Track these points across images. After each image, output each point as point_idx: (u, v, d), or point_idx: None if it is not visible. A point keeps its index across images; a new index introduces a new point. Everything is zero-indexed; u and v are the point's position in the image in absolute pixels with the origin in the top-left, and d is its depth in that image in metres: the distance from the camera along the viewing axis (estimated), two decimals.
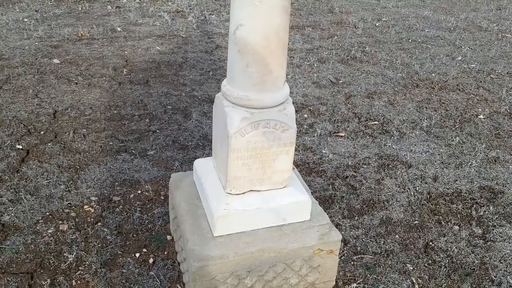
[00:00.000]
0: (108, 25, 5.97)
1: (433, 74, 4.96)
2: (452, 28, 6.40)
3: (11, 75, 4.46)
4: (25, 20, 6.01)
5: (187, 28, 5.98)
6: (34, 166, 3.17)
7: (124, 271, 2.42)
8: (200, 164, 2.42)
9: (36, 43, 5.28)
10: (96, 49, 5.20)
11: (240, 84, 1.98)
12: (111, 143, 3.49)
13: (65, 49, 5.16)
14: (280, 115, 2.04)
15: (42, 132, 3.57)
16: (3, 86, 4.26)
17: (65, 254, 2.49)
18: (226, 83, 2.07)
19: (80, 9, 6.57)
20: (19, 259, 2.45)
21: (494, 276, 2.53)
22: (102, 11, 6.54)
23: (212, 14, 6.54)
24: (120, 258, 2.50)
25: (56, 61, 4.83)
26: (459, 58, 5.41)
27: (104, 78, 4.52)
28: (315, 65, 5.06)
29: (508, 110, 4.30)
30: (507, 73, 5.07)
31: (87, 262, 2.46)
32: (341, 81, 4.72)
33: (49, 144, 3.43)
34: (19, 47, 5.12)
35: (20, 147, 3.38)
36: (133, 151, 3.42)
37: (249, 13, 1.83)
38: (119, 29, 5.85)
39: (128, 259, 2.50)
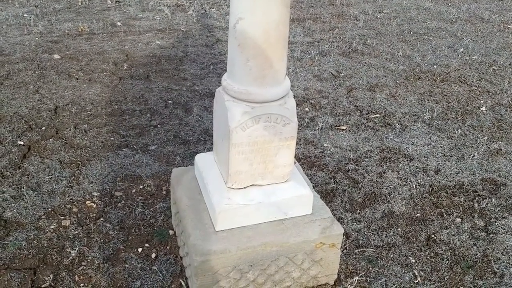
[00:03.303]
0: (108, 19, 5.95)
1: (435, 66, 4.94)
2: (453, 20, 6.36)
3: (11, 71, 4.45)
4: (25, 15, 5.99)
5: (187, 22, 5.95)
6: (35, 162, 3.17)
7: (126, 266, 2.43)
8: (201, 158, 2.42)
9: (36, 38, 5.27)
10: (96, 44, 5.18)
11: (241, 79, 1.97)
12: (112, 138, 3.49)
13: (65, 44, 5.14)
14: (281, 109, 2.03)
15: (43, 128, 3.57)
16: (3, 82, 4.25)
17: (67, 250, 2.50)
18: (226, 78, 2.06)
19: (79, 3, 6.54)
20: (21, 255, 2.46)
21: (497, 268, 2.53)
22: (101, 5, 6.52)
23: (212, 8, 6.51)
24: (123, 253, 2.50)
25: (56, 56, 4.82)
26: (461, 49, 5.39)
27: (104, 73, 4.52)
28: (316, 58, 5.04)
29: (510, 102, 4.28)
30: (509, 64, 5.04)
31: (90, 258, 2.46)
32: (342, 74, 4.70)
33: (50, 140, 3.43)
34: (19, 43, 5.11)
35: (22, 143, 3.38)
36: (134, 146, 3.42)
37: (249, 7, 1.82)
38: (119, 23, 5.83)
39: (131, 254, 2.50)
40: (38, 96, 4.02)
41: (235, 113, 1.99)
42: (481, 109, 4.14)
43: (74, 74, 4.46)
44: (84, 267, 2.41)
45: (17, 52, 4.87)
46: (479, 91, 4.45)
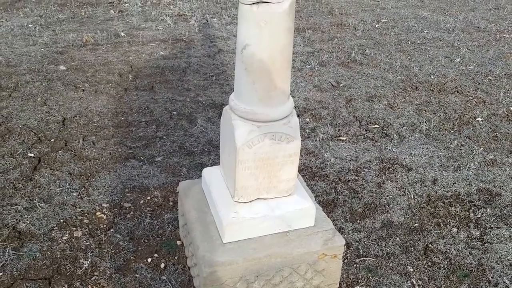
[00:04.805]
0: (112, 29, 6.06)
1: (432, 77, 5.06)
2: (450, 29, 6.49)
3: (19, 82, 4.56)
4: (30, 25, 6.11)
5: (189, 32, 6.07)
6: (46, 174, 3.28)
7: (137, 275, 2.54)
8: (208, 172, 2.53)
9: (42, 49, 5.38)
10: (101, 55, 5.29)
11: (247, 99, 2.09)
12: (119, 150, 3.60)
13: (71, 55, 5.25)
14: (285, 127, 2.14)
15: (52, 140, 3.68)
16: (12, 94, 4.36)
17: (80, 260, 2.60)
18: (233, 98, 2.17)
19: (83, 13, 6.66)
20: (36, 266, 2.56)
21: (491, 277, 2.64)
22: (105, 15, 6.64)
23: (214, 18, 6.63)
24: (133, 263, 2.61)
25: (62, 67, 4.93)
26: (458, 59, 5.51)
27: (110, 84, 4.63)
28: (316, 68, 5.16)
29: (506, 112, 4.40)
30: (505, 74, 5.17)
31: (102, 268, 2.57)
32: (341, 85, 4.82)
33: (59, 151, 3.54)
34: (25, 54, 5.22)
35: (32, 155, 3.48)
36: (141, 157, 3.53)
37: (255, 34, 1.93)
38: (122, 34, 5.95)
39: (141, 264, 2.61)
40: (46, 108, 4.13)
41: (242, 132, 2.10)
42: (477, 119, 4.26)
43: (80, 86, 4.57)
44: (97, 277, 2.51)
45: (23, 63, 4.98)
46: (475, 102, 4.58)
